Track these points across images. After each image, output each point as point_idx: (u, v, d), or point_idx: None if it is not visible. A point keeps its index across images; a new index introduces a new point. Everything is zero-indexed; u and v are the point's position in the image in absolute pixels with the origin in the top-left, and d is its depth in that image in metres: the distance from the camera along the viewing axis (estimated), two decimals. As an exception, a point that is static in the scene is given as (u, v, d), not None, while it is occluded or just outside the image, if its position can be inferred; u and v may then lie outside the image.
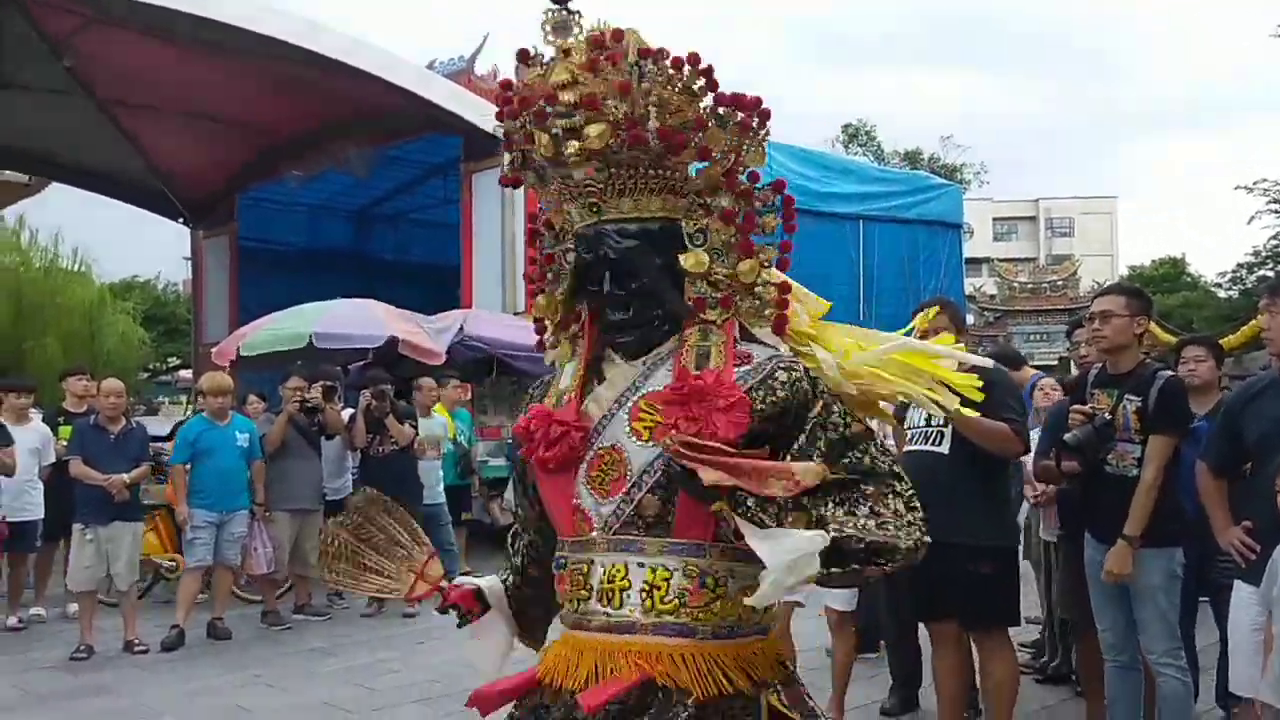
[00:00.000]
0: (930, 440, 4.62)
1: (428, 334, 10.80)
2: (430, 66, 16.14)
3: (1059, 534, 5.52)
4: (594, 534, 2.30)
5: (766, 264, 2.61)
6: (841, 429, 2.34)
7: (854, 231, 17.82)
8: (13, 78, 14.03)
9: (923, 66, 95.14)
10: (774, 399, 2.34)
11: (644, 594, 2.23)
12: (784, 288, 2.59)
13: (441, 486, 9.23)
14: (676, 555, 2.24)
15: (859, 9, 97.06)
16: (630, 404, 2.39)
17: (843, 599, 5.29)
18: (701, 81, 2.43)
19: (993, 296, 32.76)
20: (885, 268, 18.09)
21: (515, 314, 13.98)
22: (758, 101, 2.57)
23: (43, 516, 8.05)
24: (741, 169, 2.66)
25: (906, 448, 4.72)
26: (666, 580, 2.24)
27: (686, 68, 2.43)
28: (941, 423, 4.55)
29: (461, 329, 11.03)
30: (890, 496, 2.41)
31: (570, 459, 2.36)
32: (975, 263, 40.22)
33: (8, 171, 18.61)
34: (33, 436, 8.02)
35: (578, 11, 2.65)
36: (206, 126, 16.25)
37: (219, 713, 5.71)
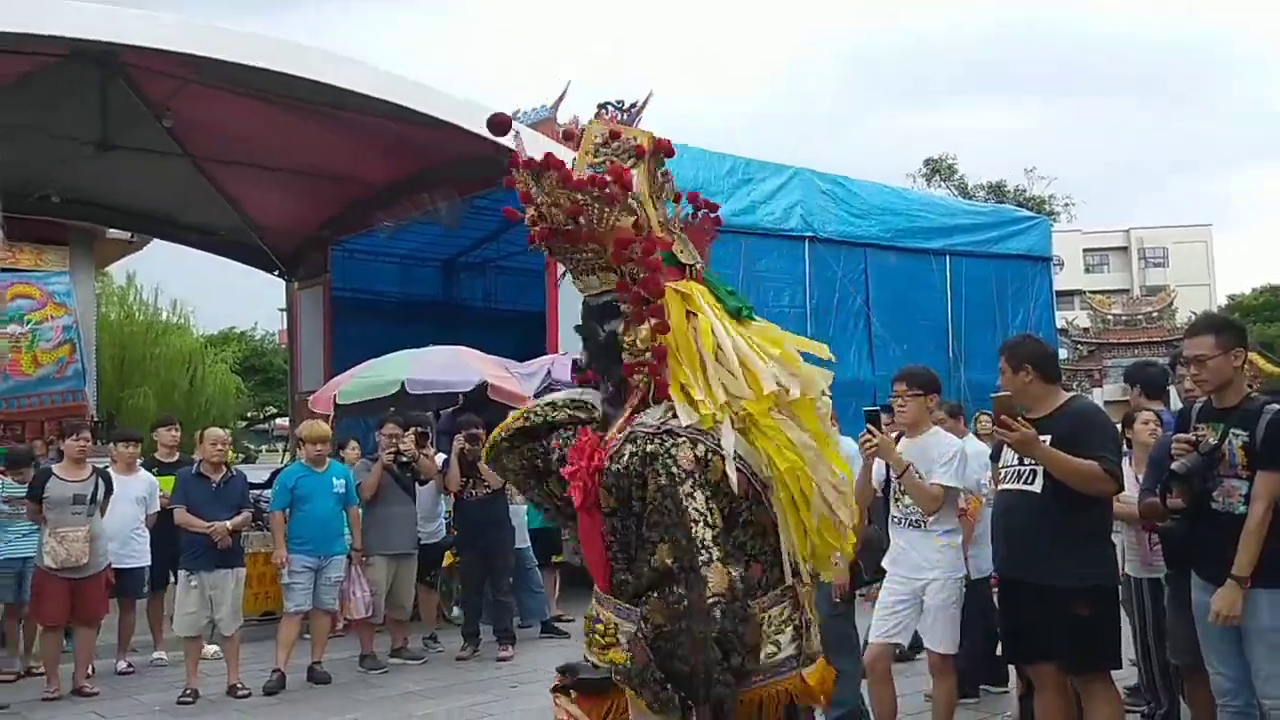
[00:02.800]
0: (1023, 479, 4.55)
1: (516, 378, 10.94)
2: (515, 116, 16.40)
3: (1165, 573, 5.33)
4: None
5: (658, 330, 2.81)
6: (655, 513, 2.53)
7: (940, 266, 17.62)
8: (116, 140, 14.61)
9: (1004, 97, 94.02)
10: (616, 468, 2.61)
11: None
12: (658, 353, 2.78)
13: (526, 531, 9.29)
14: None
15: (936, 42, 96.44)
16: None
17: (943, 641, 5.18)
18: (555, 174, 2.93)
19: (1086, 329, 32.09)
20: (973, 302, 17.82)
21: (601, 357, 14.07)
22: (616, 170, 2.96)
23: (149, 563, 8.28)
24: (634, 240, 2.94)
25: (1000, 486, 4.66)
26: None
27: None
28: (1034, 462, 4.47)
29: (549, 373, 11.14)
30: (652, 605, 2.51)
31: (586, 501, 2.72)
32: (1066, 295, 39.36)
33: (112, 229, 19.38)
34: (139, 485, 8.28)
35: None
36: (298, 180, 16.73)
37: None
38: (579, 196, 2.91)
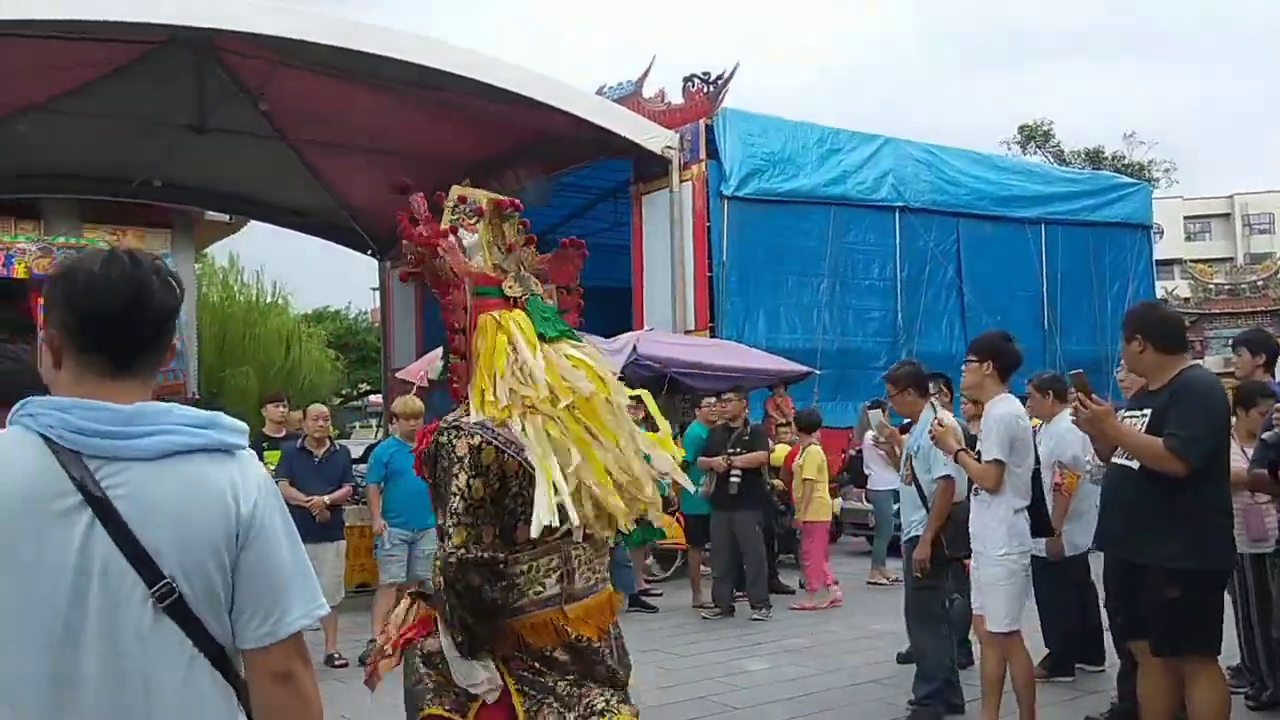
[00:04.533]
0: (1126, 454, 4.41)
1: (603, 354, 10.97)
2: (600, 92, 16.46)
3: (1274, 549, 5.16)
4: None
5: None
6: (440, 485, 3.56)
7: (1035, 235, 17.24)
8: (213, 124, 15.01)
9: (1102, 63, 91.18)
10: (425, 451, 3.62)
11: None
12: (460, 367, 3.79)
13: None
14: None
15: (1033, 6, 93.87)
16: None
17: (990, 617, 5.07)
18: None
19: (1186, 299, 31.07)
20: (1070, 272, 17.42)
21: (686, 332, 14.07)
22: (420, 236, 3.91)
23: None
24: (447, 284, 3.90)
25: (1112, 460, 4.51)
26: None
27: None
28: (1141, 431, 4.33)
29: (635, 349, 11.17)
30: None
31: None
32: (1166, 264, 38.16)
33: (211, 212, 19.91)
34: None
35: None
36: (389, 161, 16.97)
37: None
38: (420, 250, 3.90)
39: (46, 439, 1.70)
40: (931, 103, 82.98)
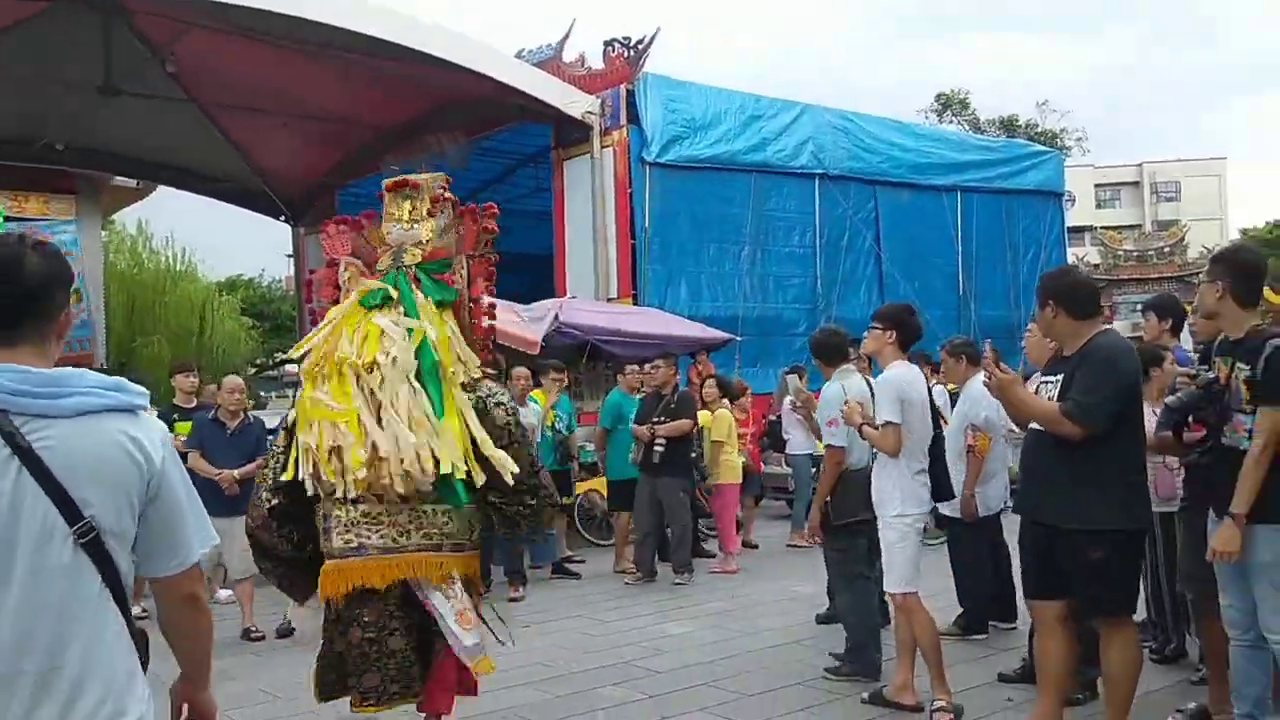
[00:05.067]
0: None
1: (524, 322, 10.90)
2: (519, 56, 16.25)
3: (1181, 507, 5.31)
4: None
5: None
6: None
7: (952, 202, 17.51)
8: (120, 85, 14.50)
9: (1016, 32, 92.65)
10: None
11: None
12: None
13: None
14: None
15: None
16: None
17: (890, 578, 5.23)
18: None
19: (1097, 266, 31.83)
20: (984, 238, 17.75)
21: (608, 300, 14.05)
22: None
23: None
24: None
25: (1030, 426, 4.60)
26: None
27: None
28: (1054, 398, 4.41)
29: (557, 317, 11.10)
30: None
31: None
32: (1078, 231, 39.12)
33: (118, 177, 19.29)
34: (150, 432, 8.30)
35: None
36: (303, 125, 16.63)
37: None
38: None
39: None
40: (860, 73, 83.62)
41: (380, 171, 17.76)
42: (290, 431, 4.38)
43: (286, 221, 20.27)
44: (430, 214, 4.87)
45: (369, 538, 4.15)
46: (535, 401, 9.77)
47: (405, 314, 4.51)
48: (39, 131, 16.13)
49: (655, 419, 9.01)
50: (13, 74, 14.21)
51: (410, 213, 4.85)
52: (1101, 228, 40.75)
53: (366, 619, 4.16)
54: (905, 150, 17.14)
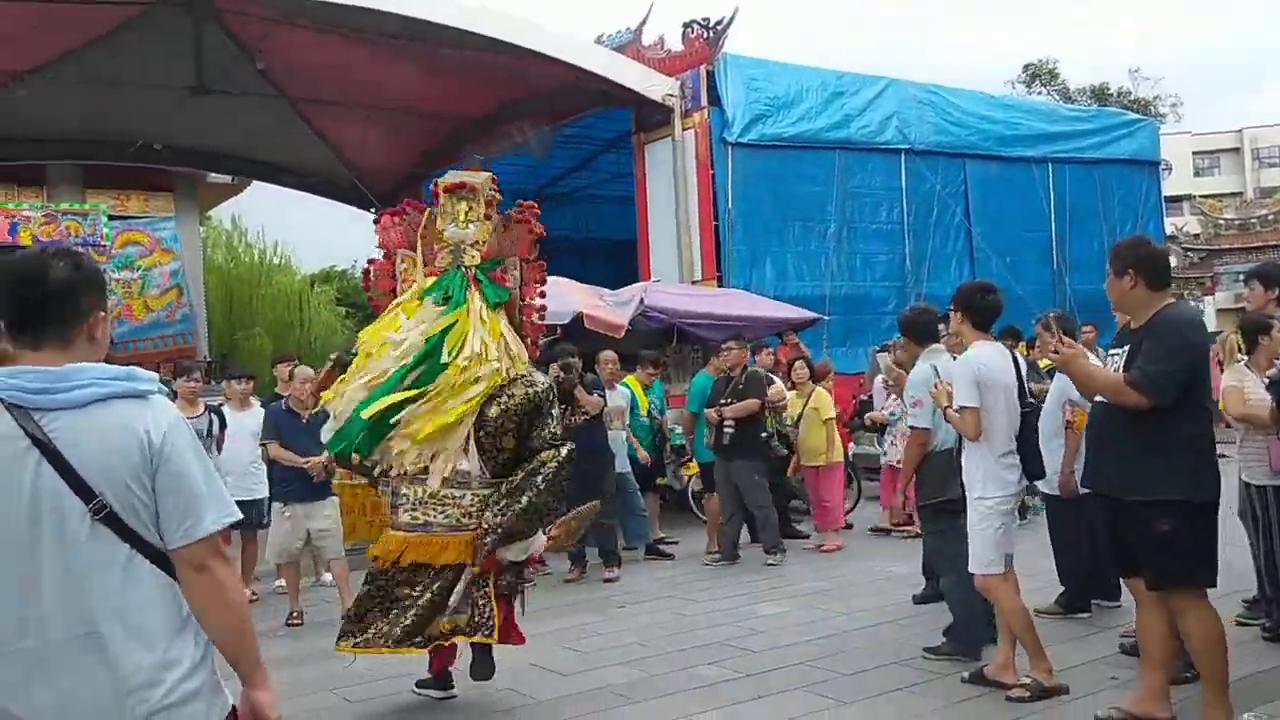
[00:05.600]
0: None
1: (611, 306, 10.97)
2: (599, 41, 16.29)
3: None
4: None
5: None
6: None
7: (1043, 174, 17.12)
8: (212, 85, 14.89)
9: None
10: None
11: None
12: None
13: (625, 455, 9.37)
14: None
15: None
16: None
17: (974, 560, 5.15)
18: None
19: (1196, 235, 30.86)
20: (1078, 210, 17.32)
21: (693, 283, 14.04)
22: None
23: (268, 495, 8.53)
24: None
25: (1096, 399, 4.52)
26: None
27: None
28: (1117, 370, 4.33)
29: (642, 301, 11.14)
30: None
31: None
32: (1175, 200, 37.87)
33: (213, 174, 19.84)
34: (254, 420, 8.51)
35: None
36: (389, 117, 16.89)
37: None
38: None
39: (2, 401, 2.18)
40: (937, 45, 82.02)
41: (464, 162, 18.10)
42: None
43: (375, 212, 20.62)
44: (486, 216, 5.32)
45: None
46: (628, 387, 9.86)
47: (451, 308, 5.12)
48: (137, 132, 16.67)
49: (723, 401, 9.01)
50: (111, 78, 14.69)
51: (466, 214, 5.25)
52: (1200, 196, 39.47)
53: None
54: (994, 122, 16.79)
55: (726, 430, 8.86)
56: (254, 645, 2.38)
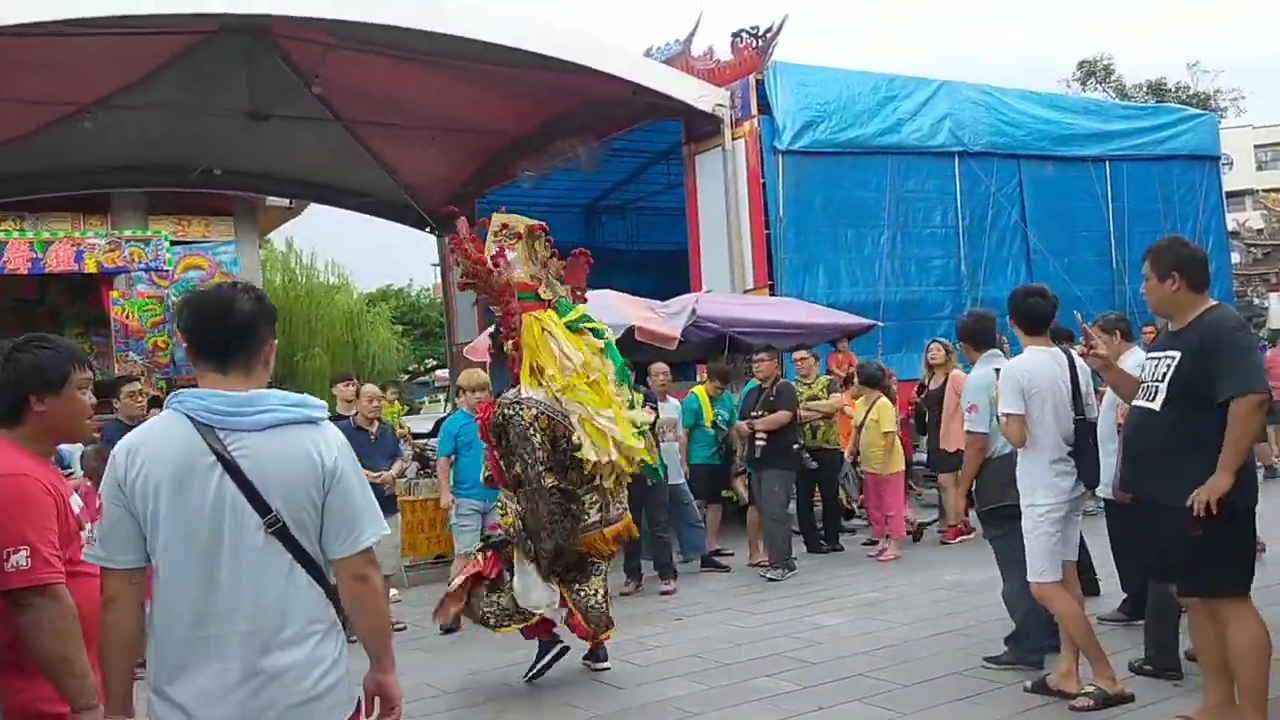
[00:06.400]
0: (1147, 396, 4.34)
1: (663, 318, 10.97)
2: (648, 54, 16.36)
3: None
4: None
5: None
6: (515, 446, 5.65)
7: (1100, 173, 16.84)
8: (269, 110, 15.18)
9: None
10: (493, 420, 5.70)
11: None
12: (515, 356, 5.76)
13: (679, 467, 9.39)
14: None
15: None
16: None
17: (1030, 568, 5.08)
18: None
19: (1259, 231, 30.19)
20: (1137, 209, 17.01)
21: (745, 292, 14.01)
22: (478, 261, 5.76)
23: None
24: (501, 292, 5.81)
25: (1132, 403, 4.46)
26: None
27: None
28: (1158, 377, 4.27)
29: (694, 311, 11.13)
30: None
31: None
32: (1237, 195, 37.04)
33: (272, 198, 20.19)
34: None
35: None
36: (443, 137, 17.09)
37: (492, 690, 6.03)
38: (474, 268, 5.64)
39: (191, 418, 2.48)
40: (990, 45, 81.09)
41: (516, 178, 18.26)
42: (500, 433, 5.73)
43: (431, 232, 20.85)
44: (553, 257, 6.14)
45: (618, 508, 5.98)
46: (697, 399, 9.90)
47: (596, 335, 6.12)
48: (197, 158, 17.02)
49: (754, 413, 8.97)
50: (172, 106, 15.03)
51: (543, 256, 6.07)
52: (1264, 190, 38.58)
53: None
54: (1048, 122, 16.56)
55: (759, 443, 8.83)
56: (390, 638, 2.75)
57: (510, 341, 5.81)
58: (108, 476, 2.54)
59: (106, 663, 2.56)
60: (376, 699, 2.67)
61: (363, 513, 2.58)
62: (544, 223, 5.94)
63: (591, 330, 6.10)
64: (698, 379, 10.24)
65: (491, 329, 6.20)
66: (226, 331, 2.54)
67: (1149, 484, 4.30)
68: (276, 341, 2.68)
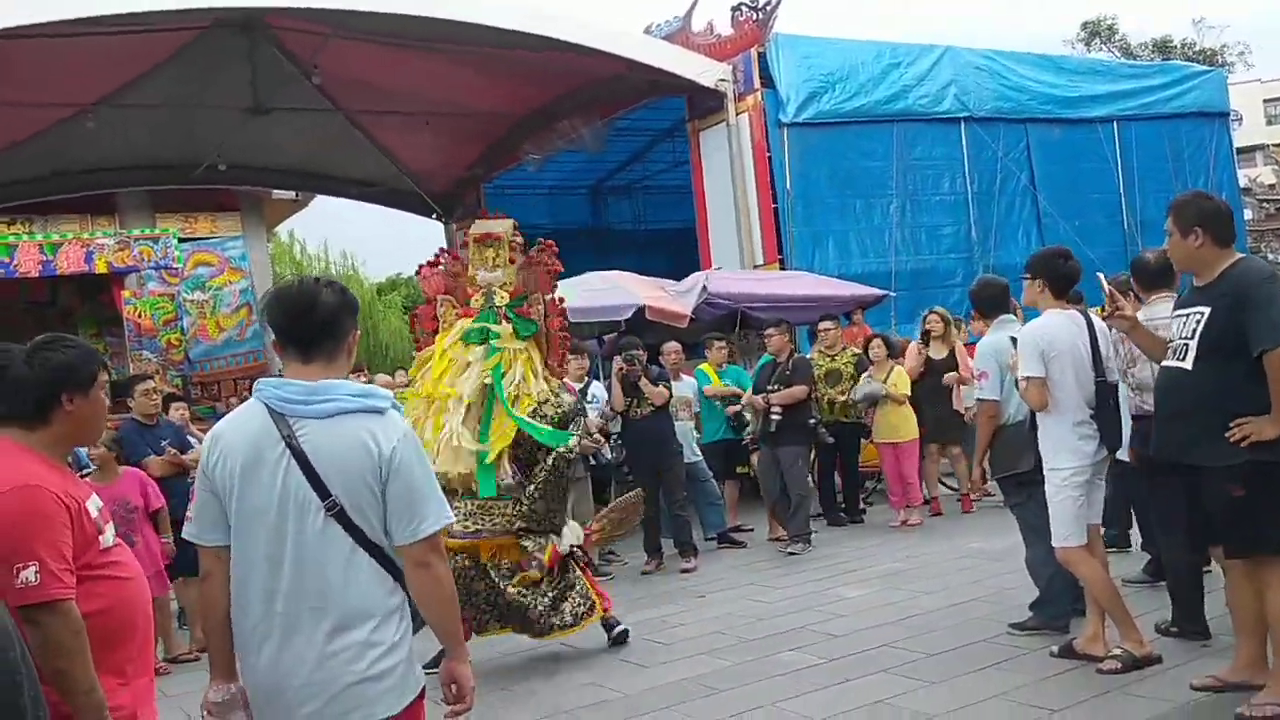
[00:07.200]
0: (1177, 355, 4.28)
1: (673, 297, 10.95)
2: (647, 31, 16.26)
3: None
4: None
5: None
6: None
7: (1108, 134, 16.71)
8: (270, 102, 15.15)
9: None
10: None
11: None
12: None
13: (694, 445, 9.37)
14: None
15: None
16: None
17: (1054, 533, 5.05)
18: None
19: (1272, 186, 29.95)
20: (1147, 168, 16.88)
21: (755, 267, 13.96)
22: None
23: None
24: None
25: (1163, 364, 4.40)
26: None
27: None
28: (1188, 335, 4.20)
29: (705, 289, 11.10)
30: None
31: None
32: (1248, 151, 36.79)
33: (277, 191, 20.18)
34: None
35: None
36: (444, 122, 17.04)
37: (521, 673, 6.03)
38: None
39: (267, 406, 2.64)
40: (993, 12, 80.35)
41: (521, 161, 18.25)
42: None
43: (438, 219, 20.82)
44: (510, 260, 6.17)
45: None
46: (704, 374, 9.85)
47: (494, 348, 5.97)
48: (201, 155, 17.01)
49: (770, 387, 8.92)
50: (173, 103, 15.02)
51: (494, 259, 6.14)
52: (1274, 145, 38.28)
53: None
54: (1054, 85, 16.43)
55: (774, 417, 8.79)
56: (459, 628, 2.80)
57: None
58: (201, 461, 2.74)
59: (208, 633, 2.77)
60: (453, 686, 2.75)
61: (424, 501, 2.64)
62: (496, 232, 6.13)
63: (490, 337, 5.99)
64: (705, 355, 10.16)
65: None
66: (311, 325, 2.67)
67: (1184, 446, 4.24)
68: (358, 333, 2.81)
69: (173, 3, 12.04)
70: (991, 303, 6.05)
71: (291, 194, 20.69)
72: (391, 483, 2.60)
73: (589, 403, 9.10)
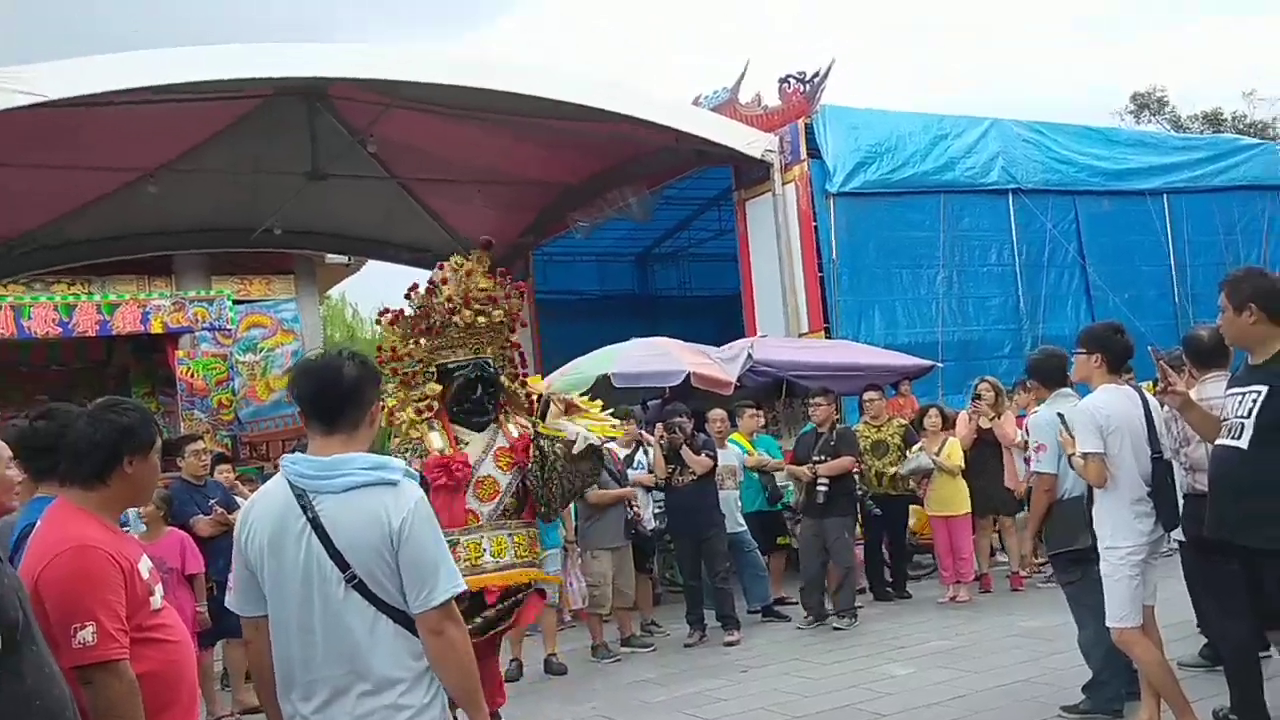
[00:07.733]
0: (1231, 433, 4.21)
1: (718, 364, 10.94)
2: (695, 102, 16.46)
3: None
4: (482, 523, 5.13)
5: (524, 382, 5.74)
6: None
7: (1158, 207, 16.58)
8: (326, 169, 15.47)
9: (1212, 17, 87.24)
10: (539, 449, 5.25)
11: (513, 549, 5.16)
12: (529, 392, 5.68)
13: (741, 514, 9.30)
14: (524, 528, 5.29)
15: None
16: (493, 452, 5.24)
17: (1109, 614, 4.92)
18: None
19: (1328, 259, 29.50)
20: (1198, 241, 16.70)
21: (800, 335, 13.94)
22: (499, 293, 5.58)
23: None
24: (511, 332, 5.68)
25: (1217, 441, 4.33)
26: (522, 541, 5.23)
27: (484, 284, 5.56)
28: (1244, 414, 4.13)
29: (750, 356, 11.09)
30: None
31: (465, 482, 5.09)
32: (1303, 224, 36.29)
33: (330, 255, 20.53)
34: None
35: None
36: (495, 191, 17.30)
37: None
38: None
39: (289, 481, 2.77)
40: (1039, 84, 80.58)
41: (570, 229, 18.45)
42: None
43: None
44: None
45: None
46: (736, 444, 9.79)
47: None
48: (258, 219, 17.38)
49: (815, 458, 8.83)
50: (232, 169, 15.40)
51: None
52: (1329, 218, 37.74)
53: None
54: (1102, 157, 16.37)
55: (820, 489, 8.69)
56: (479, 695, 2.84)
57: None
58: (234, 536, 2.89)
59: (258, 692, 2.98)
60: None
61: (434, 570, 2.72)
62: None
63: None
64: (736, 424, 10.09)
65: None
66: (334, 398, 2.81)
67: (1241, 526, 4.15)
68: (381, 402, 2.97)
69: (239, 72, 12.38)
70: (1052, 375, 5.98)
71: (344, 258, 21.02)
72: (402, 553, 2.69)
73: (634, 469, 9.09)
